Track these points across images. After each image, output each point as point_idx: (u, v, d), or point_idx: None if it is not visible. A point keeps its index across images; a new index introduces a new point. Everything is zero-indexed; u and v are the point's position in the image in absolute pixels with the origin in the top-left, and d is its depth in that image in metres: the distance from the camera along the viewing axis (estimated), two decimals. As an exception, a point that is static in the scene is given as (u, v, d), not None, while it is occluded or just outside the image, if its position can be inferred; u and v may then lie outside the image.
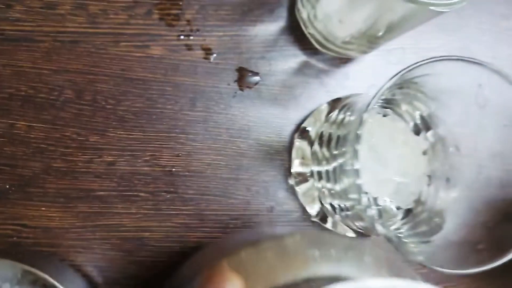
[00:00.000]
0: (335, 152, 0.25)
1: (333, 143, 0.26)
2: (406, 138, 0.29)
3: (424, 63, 0.22)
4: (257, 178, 0.32)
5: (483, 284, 0.35)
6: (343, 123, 0.26)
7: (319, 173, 0.29)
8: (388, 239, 0.23)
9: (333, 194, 0.28)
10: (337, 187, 0.26)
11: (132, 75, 0.32)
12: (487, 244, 0.25)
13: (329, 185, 0.28)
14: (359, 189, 0.21)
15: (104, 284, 0.31)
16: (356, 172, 0.20)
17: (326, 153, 0.27)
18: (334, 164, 0.25)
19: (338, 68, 0.33)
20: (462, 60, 0.23)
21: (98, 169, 0.31)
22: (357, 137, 0.20)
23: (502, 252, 0.23)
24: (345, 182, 0.24)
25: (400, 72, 0.22)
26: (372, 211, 0.21)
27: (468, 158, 0.29)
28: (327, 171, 0.27)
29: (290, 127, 0.33)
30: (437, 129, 0.30)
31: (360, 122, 0.20)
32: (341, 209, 0.29)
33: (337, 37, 0.30)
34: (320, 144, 0.29)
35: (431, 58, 0.22)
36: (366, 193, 0.29)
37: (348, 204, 0.25)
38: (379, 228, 0.22)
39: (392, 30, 0.27)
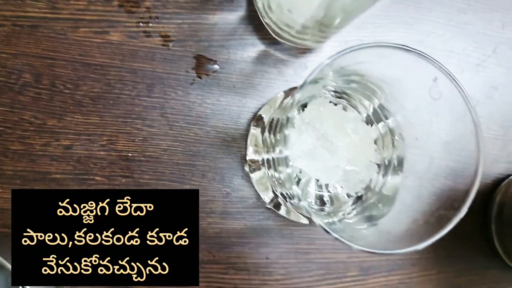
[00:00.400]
0: (278, 137, 0.26)
1: (278, 128, 0.27)
2: (356, 127, 0.30)
3: (357, 49, 0.22)
4: (213, 165, 0.33)
5: (437, 271, 0.36)
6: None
7: (268, 161, 0.29)
8: (325, 230, 0.23)
9: (280, 183, 0.28)
10: (282, 176, 0.27)
11: (90, 61, 0.32)
12: (430, 231, 0.26)
13: (276, 174, 0.28)
14: (290, 178, 0.21)
15: (59, 266, 0.32)
16: (285, 160, 0.20)
17: (273, 140, 0.28)
18: (277, 151, 0.26)
19: (296, 58, 0.34)
20: (399, 48, 0.23)
21: (55, 153, 0.32)
22: (287, 121, 0.21)
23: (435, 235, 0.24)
24: (283, 170, 0.24)
25: (334, 55, 0.22)
26: (304, 203, 0.21)
27: (419, 148, 0.30)
28: (273, 159, 0.28)
29: (248, 115, 0.33)
30: (389, 120, 0.31)
31: (292, 104, 0.21)
32: (290, 197, 0.29)
33: (290, 26, 0.30)
34: (269, 131, 0.29)
35: (363, 44, 0.23)
36: (311, 184, 0.29)
37: (289, 193, 0.26)
38: (314, 219, 0.22)
39: (343, 19, 0.28)
